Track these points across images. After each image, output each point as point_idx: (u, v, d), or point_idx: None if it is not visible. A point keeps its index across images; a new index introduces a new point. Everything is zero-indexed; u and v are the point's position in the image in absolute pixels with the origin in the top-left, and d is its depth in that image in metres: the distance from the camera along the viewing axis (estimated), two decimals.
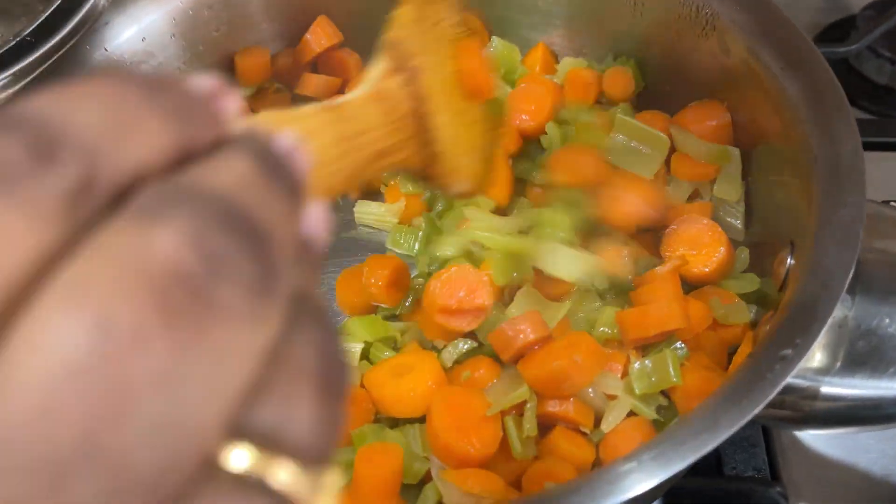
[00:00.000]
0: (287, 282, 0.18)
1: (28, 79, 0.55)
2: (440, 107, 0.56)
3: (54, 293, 0.15)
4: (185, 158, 0.19)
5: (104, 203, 0.17)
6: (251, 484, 0.17)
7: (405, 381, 0.69)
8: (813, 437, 0.78)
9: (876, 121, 1.12)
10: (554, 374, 0.65)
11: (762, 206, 0.78)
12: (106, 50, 0.84)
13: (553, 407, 0.67)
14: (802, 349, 0.53)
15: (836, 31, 1.21)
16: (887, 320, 0.59)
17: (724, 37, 0.79)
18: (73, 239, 0.16)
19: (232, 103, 0.21)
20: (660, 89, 0.91)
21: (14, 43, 0.53)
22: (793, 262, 0.65)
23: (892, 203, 0.82)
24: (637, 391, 0.66)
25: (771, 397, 0.51)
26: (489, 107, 0.64)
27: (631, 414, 0.68)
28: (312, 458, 0.18)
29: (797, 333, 0.54)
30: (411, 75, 0.53)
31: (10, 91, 0.56)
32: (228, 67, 0.95)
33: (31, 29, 0.54)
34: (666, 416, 0.68)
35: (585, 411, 0.67)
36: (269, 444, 0.18)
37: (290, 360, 0.18)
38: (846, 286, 0.56)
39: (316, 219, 0.21)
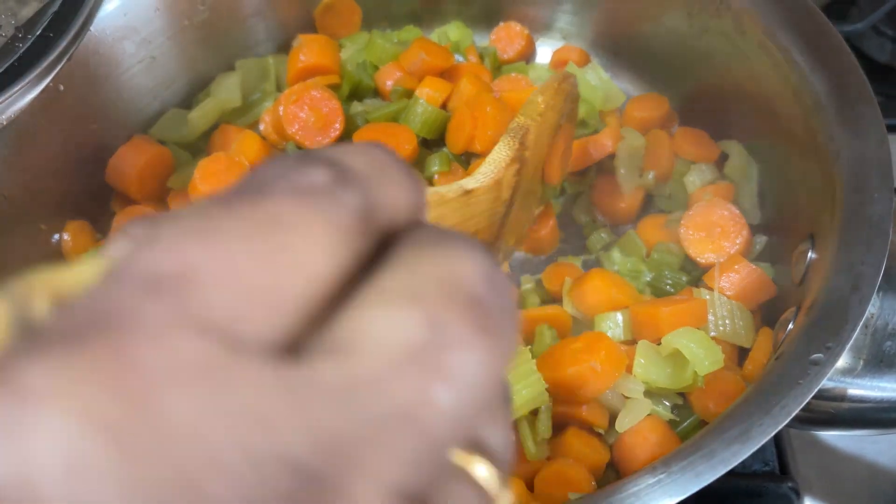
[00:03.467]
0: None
1: (54, 73, 0.52)
2: (523, 192, 0.58)
3: (385, 295, 0.18)
4: (416, 221, 0.22)
5: (379, 231, 0.20)
6: (466, 476, 0.21)
7: None
8: (821, 432, 0.77)
9: (878, 101, 1.10)
10: (570, 379, 0.63)
11: (778, 195, 0.76)
12: (93, 33, 0.79)
13: (566, 407, 0.65)
14: (835, 354, 0.51)
15: (837, 8, 1.19)
16: None
17: (741, 17, 0.76)
18: (367, 254, 0.19)
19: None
20: (666, 73, 0.88)
21: (34, 40, 0.50)
22: (814, 255, 0.63)
23: None
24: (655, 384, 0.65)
25: (803, 404, 0.49)
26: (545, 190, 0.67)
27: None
28: (504, 466, 0.22)
29: (828, 336, 0.52)
30: (522, 165, 0.56)
31: (42, 85, 0.53)
32: (213, 42, 0.91)
33: (46, 22, 0.51)
34: (681, 416, 0.66)
35: (600, 412, 0.65)
36: (479, 449, 0.21)
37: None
38: (877, 287, 0.53)
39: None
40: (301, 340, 0.18)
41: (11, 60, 0.50)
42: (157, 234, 0.17)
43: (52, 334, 0.16)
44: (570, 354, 0.64)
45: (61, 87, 0.78)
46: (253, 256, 0.17)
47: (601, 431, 0.66)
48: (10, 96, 0.49)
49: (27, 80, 0.50)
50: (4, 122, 0.51)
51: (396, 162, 0.21)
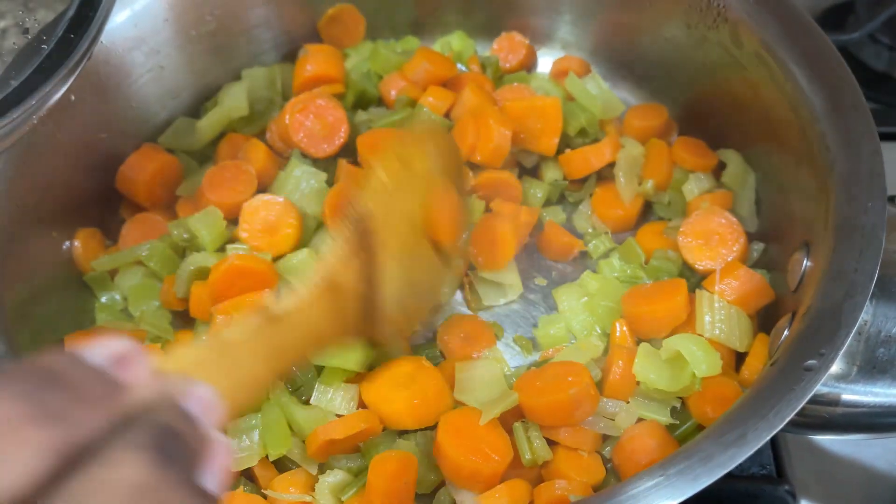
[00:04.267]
0: None
1: (76, 74, 0.54)
2: (395, 268, 0.52)
3: None
4: (75, 454, 0.21)
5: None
6: None
7: (410, 393, 0.67)
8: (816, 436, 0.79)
9: (874, 109, 1.11)
10: (550, 407, 0.65)
11: (774, 204, 0.77)
12: (103, 43, 0.81)
13: (549, 433, 0.66)
14: (828, 360, 0.52)
15: (833, 17, 1.20)
16: None
17: (737, 29, 0.77)
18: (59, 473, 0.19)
19: (141, 365, 0.24)
20: (665, 83, 0.89)
21: (57, 41, 0.52)
22: (809, 263, 0.65)
23: None
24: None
25: (798, 409, 0.50)
26: (443, 254, 0.60)
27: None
28: None
29: (822, 343, 0.54)
30: (369, 255, 0.49)
31: (64, 88, 0.55)
32: (220, 52, 0.92)
33: (67, 22, 0.53)
34: (679, 420, 0.67)
35: (582, 437, 0.66)
36: None
37: None
38: (870, 295, 0.55)
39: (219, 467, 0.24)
40: None
41: (41, 60, 0.52)
42: None
43: None
44: (548, 381, 0.66)
45: (72, 97, 0.80)
46: None
47: (584, 454, 0.67)
48: (43, 94, 0.51)
49: (58, 78, 0.52)
50: (36, 121, 0.53)
51: (27, 401, 0.21)
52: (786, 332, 0.62)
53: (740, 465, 0.75)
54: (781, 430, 0.69)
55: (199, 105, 0.92)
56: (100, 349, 0.24)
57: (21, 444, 0.20)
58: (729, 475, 0.73)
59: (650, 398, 0.69)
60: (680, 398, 0.68)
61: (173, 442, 0.23)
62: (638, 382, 0.69)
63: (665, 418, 0.67)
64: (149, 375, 0.24)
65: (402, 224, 0.53)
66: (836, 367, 0.59)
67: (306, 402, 0.69)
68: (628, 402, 0.69)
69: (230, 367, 0.35)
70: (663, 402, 0.68)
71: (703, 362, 0.65)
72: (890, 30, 1.14)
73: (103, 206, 0.85)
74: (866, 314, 0.60)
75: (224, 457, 0.24)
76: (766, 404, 0.51)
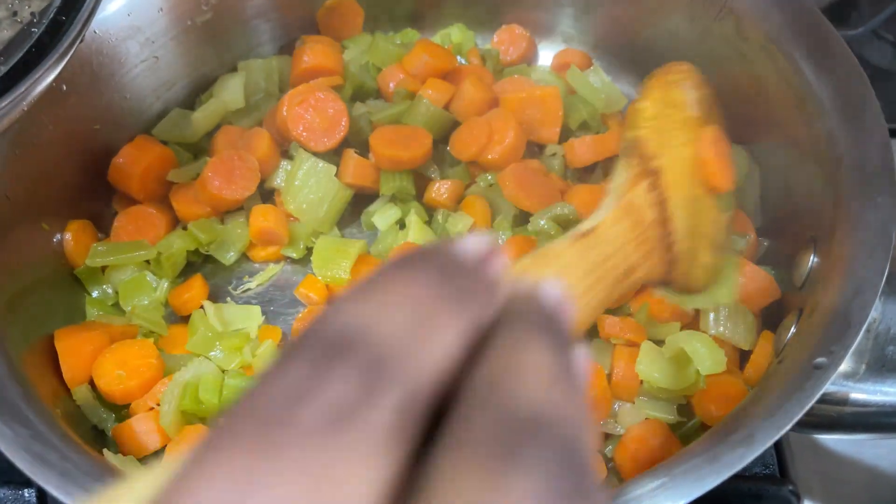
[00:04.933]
0: None
1: (67, 58, 0.53)
2: (679, 202, 0.53)
3: None
4: (480, 336, 0.21)
5: (424, 414, 0.18)
6: None
7: None
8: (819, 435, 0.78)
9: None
10: None
11: (780, 199, 0.76)
12: (96, 32, 0.79)
13: None
14: (838, 358, 0.51)
15: (836, 13, 1.19)
16: None
17: (742, 21, 0.76)
18: (408, 465, 0.18)
19: (500, 263, 0.23)
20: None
21: (48, 24, 0.51)
22: (817, 260, 0.63)
23: None
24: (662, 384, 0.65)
25: (807, 408, 0.49)
26: (722, 197, 0.61)
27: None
28: None
29: (831, 341, 0.52)
30: (655, 179, 0.52)
31: (55, 72, 0.54)
32: (217, 42, 0.91)
33: (58, 4, 0.52)
34: (682, 419, 0.66)
35: None
36: None
37: None
38: (880, 291, 0.54)
39: (583, 363, 0.23)
40: None
41: (30, 44, 0.50)
42: (190, 483, 0.16)
43: None
44: None
45: (64, 87, 0.78)
46: None
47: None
48: (34, 80, 0.50)
49: (49, 62, 0.51)
50: (25, 108, 0.52)
51: (437, 289, 0.20)
52: (792, 330, 0.61)
53: None
54: (789, 430, 0.68)
55: (194, 96, 0.91)
56: (469, 245, 0.23)
57: (440, 325, 0.20)
58: (732, 475, 0.73)
59: (654, 397, 0.67)
60: (684, 396, 0.67)
61: (554, 329, 0.22)
62: (641, 381, 0.67)
63: (671, 417, 0.65)
64: (508, 272, 0.24)
65: (676, 158, 0.55)
66: (844, 366, 0.58)
67: None
68: (633, 403, 0.67)
69: (563, 271, 0.38)
70: (668, 401, 0.67)
71: (708, 359, 0.64)
72: (893, 26, 1.13)
73: (95, 198, 0.83)
74: (875, 311, 0.59)
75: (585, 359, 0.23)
76: (775, 403, 0.50)
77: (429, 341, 0.19)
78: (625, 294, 0.49)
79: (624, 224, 0.47)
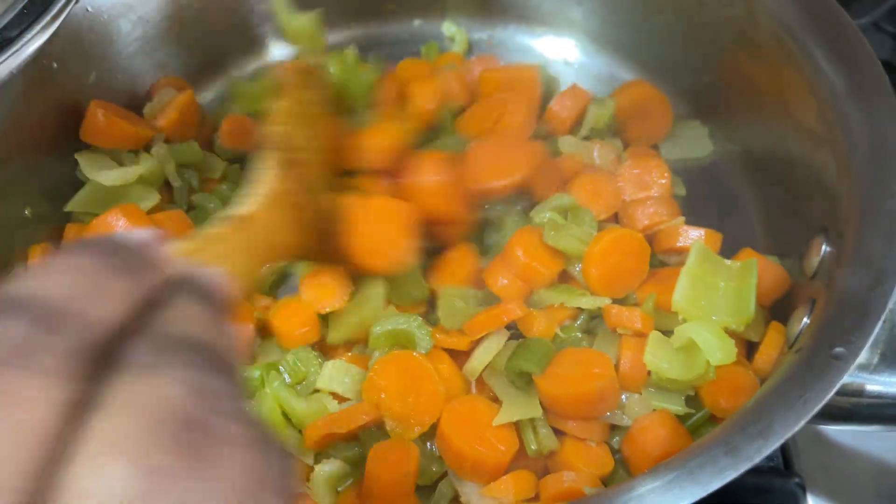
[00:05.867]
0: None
1: (52, 29, 0.56)
2: (324, 184, 0.63)
3: (94, 444, 0.19)
4: (146, 304, 0.25)
5: (99, 356, 0.22)
6: None
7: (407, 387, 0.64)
8: (825, 426, 0.77)
9: None
10: (573, 399, 0.62)
11: (788, 187, 0.74)
12: (88, 10, 0.77)
13: (556, 422, 0.64)
14: (857, 347, 0.50)
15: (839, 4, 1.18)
16: None
17: (753, 6, 0.74)
18: (86, 391, 0.21)
19: (164, 248, 0.28)
20: (676, 65, 0.86)
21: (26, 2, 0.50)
22: (829, 249, 0.62)
23: None
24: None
25: (827, 399, 0.48)
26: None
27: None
28: None
29: (849, 331, 0.51)
30: (298, 168, 0.58)
31: (41, 42, 0.57)
32: (208, 24, 0.88)
33: None
34: (691, 409, 0.65)
35: (591, 427, 0.64)
36: None
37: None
38: None
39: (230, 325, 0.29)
40: None
41: (21, 6, 0.53)
42: None
43: None
44: (571, 372, 0.63)
45: (55, 65, 0.76)
46: None
47: (593, 444, 0.64)
48: (29, 38, 0.54)
49: (40, 25, 0.54)
50: (15, 72, 0.55)
51: (102, 264, 0.24)
52: (805, 320, 0.60)
53: None
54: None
55: (185, 77, 0.88)
56: (135, 234, 0.27)
57: (106, 289, 0.24)
58: None
59: (662, 388, 0.66)
60: (692, 388, 0.66)
61: (208, 296, 0.28)
62: (649, 372, 0.66)
63: (680, 408, 0.64)
64: (170, 257, 0.29)
65: (308, 146, 0.63)
66: (862, 357, 0.56)
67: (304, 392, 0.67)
68: (641, 394, 0.66)
69: (222, 255, 0.42)
70: (676, 392, 0.66)
71: (718, 350, 0.62)
72: (894, 18, 1.12)
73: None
74: (890, 302, 0.57)
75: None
76: (794, 394, 0.49)
77: (95, 298, 0.23)
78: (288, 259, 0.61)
79: (279, 205, 0.53)
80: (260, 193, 0.53)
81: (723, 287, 0.64)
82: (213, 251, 0.42)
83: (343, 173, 0.70)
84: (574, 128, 0.85)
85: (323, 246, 0.61)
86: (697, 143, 0.85)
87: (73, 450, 0.19)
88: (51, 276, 0.23)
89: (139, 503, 0.19)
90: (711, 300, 0.64)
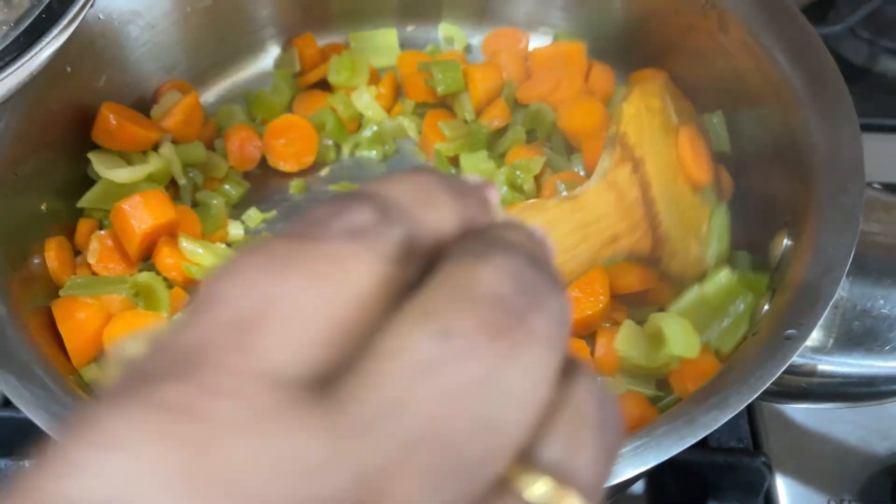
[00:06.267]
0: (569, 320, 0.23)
1: (68, 34, 0.57)
2: (663, 192, 0.63)
3: (411, 314, 0.20)
4: (469, 230, 0.24)
5: (423, 253, 0.22)
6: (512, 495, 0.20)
7: None
8: (793, 410, 0.82)
9: (853, 102, 1.14)
10: None
11: (756, 186, 0.79)
12: (100, 17, 0.82)
13: None
14: (807, 330, 0.55)
15: (815, 11, 1.22)
16: (881, 301, 0.61)
17: (724, 16, 0.79)
18: (410, 275, 0.21)
19: (494, 196, 0.26)
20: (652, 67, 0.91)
21: (44, 6, 0.53)
22: (790, 243, 0.67)
23: (875, 185, 0.85)
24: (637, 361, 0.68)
25: (777, 375, 0.53)
26: (705, 193, 0.70)
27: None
28: (591, 495, 0.21)
29: (801, 315, 0.56)
30: (637, 165, 0.60)
31: (57, 45, 0.58)
32: (217, 28, 0.93)
33: None
34: (662, 392, 0.70)
35: None
36: (558, 476, 0.20)
37: (573, 402, 0.22)
38: (846, 271, 0.57)
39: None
40: (339, 372, 0.19)
41: (41, 9, 0.54)
42: (234, 269, 0.20)
43: (135, 379, 0.18)
44: None
45: (69, 69, 0.81)
46: (306, 291, 0.20)
47: None
48: (45, 43, 0.54)
49: (60, 27, 0.56)
50: (28, 79, 0.55)
51: (441, 184, 0.24)
52: (766, 308, 0.65)
53: (719, 438, 0.79)
54: (761, 399, 0.72)
55: (193, 80, 0.93)
56: (469, 176, 0.26)
57: (443, 204, 0.23)
58: (708, 447, 0.77)
59: (632, 374, 0.71)
60: (661, 373, 0.71)
61: (540, 247, 0.25)
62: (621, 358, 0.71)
63: (650, 391, 0.69)
64: (498, 206, 0.27)
65: (656, 154, 0.63)
66: (814, 340, 0.62)
67: None
68: (614, 377, 0.71)
69: (549, 223, 0.43)
70: (646, 378, 0.71)
71: (682, 343, 0.66)
72: (869, 24, 1.17)
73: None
74: (843, 290, 0.62)
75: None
76: (748, 371, 0.54)
77: (431, 208, 0.23)
78: (612, 258, 0.53)
79: (609, 196, 0.54)
80: (593, 180, 0.55)
81: None
82: (536, 217, 0.44)
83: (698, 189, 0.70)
84: None
85: (653, 249, 0.62)
86: None
87: (384, 320, 0.20)
88: (395, 184, 0.23)
89: (437, 367, 0.19)
90: None
